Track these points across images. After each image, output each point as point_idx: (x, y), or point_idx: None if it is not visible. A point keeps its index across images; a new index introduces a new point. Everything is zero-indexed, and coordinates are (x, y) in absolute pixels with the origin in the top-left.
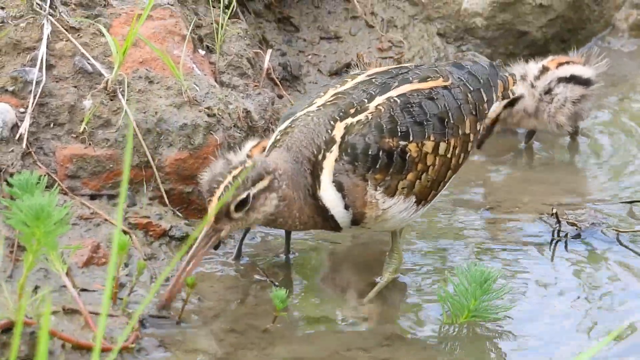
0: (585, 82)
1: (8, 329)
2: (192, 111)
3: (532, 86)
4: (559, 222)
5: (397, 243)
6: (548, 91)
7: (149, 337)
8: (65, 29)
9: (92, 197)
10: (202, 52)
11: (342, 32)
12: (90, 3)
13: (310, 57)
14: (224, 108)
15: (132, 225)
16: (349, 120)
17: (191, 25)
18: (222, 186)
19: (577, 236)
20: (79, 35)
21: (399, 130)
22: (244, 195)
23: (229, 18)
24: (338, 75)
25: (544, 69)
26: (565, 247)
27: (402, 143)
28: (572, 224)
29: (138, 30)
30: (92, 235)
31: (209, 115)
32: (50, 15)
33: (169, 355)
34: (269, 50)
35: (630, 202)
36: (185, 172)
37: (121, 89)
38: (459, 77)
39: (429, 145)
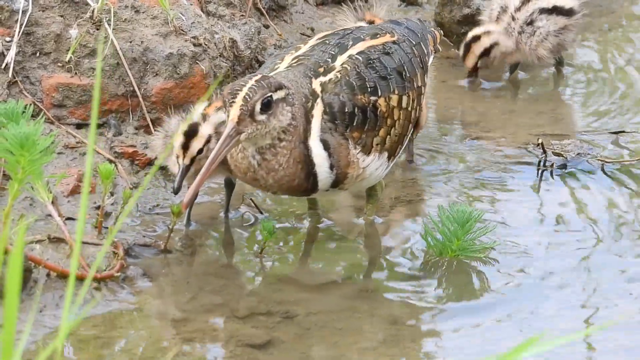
0: (567, 12)
1: None
2: (178, 41)
3: (513, 18)
4: (544, 152)
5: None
6: (530, 22)
7: (134, 267)
8: None
9: (78, 126)
10: None
11: None
12: None
13: None
14: (210, 37)
15: (118, 154)
16: (322, 79)
17: None
18: (245, 88)
19: (563, 166)
20: None
21: (368, 86)
22: (269, 95)
23: None
24: (325, 5)
25: (526, 1)
26: (551, 176)
27: (373, 98)
28: (558, 154)
29: None
30: (78, 164)
31: (195, 45)
32: None
33: (155, 285)
34: None
35: (616, 133)
36: (171, 102)
37: (107, 19)
38: (401, 33)
39: (394, 99)
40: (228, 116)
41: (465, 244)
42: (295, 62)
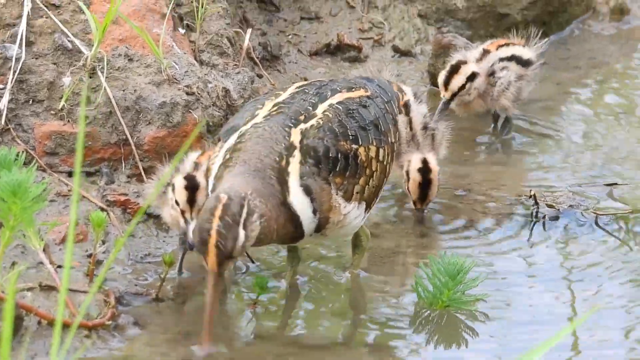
0: (525, 63)
1: None
2: (171, 89)
3: None
4: (537, 203)
5: (363, 227)
6: (491, 74)
7: (126, 315)
8: (45, 6)
9: (70, 174)
10: (182, 31)
11: (322, 12)
12: None
13: (290, 37)
14: (203, 87)
15: (109, 202)
16: (303, 126)
17: (171, 4)
18: (213, 232)
19: (555, 218)
20: (58, 12)
21: (349, 134)
22: (236, 233)
23: None
24: (318, 56)
25: (485, 52)
26: (544, 228)
27: (354, 146)
28: (550, 206)
29: (118, 8)
30: (70, 212)
31: (187, 94)
32: None
33: (146, 333)
34: (249, 30)
35: (609, 185)
36: (164, 150)
37: (100, 67)
38: (374, 89)
39: (372, 150)
40: (206, 264)
41: (456, 295)
42: (275, 110)
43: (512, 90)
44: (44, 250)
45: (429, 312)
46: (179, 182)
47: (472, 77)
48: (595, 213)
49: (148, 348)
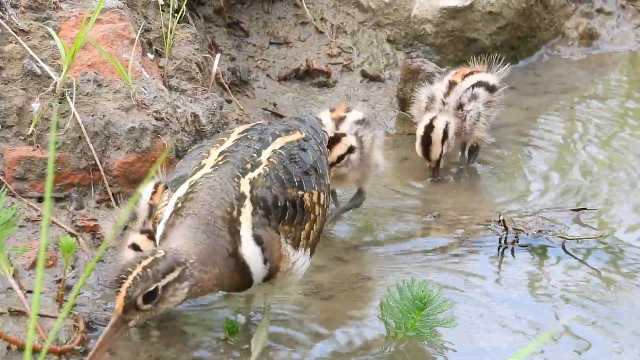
0: (491, 89)
1: None
2: (140, 115)
3: (444, 104)
4: (506, 229)
5: (268, 316)
6: (460, 106)
7: (95, 340)
8: (14, 32)
9: (40, 200)
10: (151, 56)
11: (291, 37)
12: (40, 6)
13: (259, 62)
14: (172, 112)
15: (79, 227)
16: (250, 175)
17: (140, 29)
18: (130, 277)
19: (524, 243)
20: (28, 37)
21: (295, 180)
22: (152, 288)
23: (178, 22)
24: (287, 81)
25: (452, 84)
26: (512, 253)
27: (300, 193)
28: (519, 231)
29: (87, 34)
30: (40, 237)
31: (157, 119)
32: None
33: (115, 358)
34: (218, 55)
35: (577, 210)
36: (133, 176)
37: (70, 92)
38: (306, 131)
39: (315, 195)
40: (114, 304)
41: (422, 324)
42: (221, 160)
43: (482, 120)
44: (13, 275)
45: (394, 342)
46: (139, 239)
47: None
48: (563, 238)
49: None
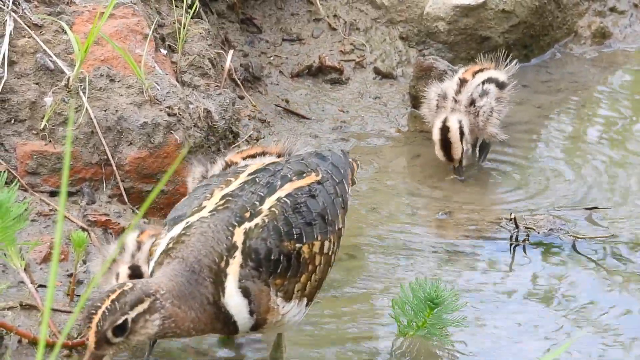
0: (500, 85)
1: None
2: (152, 110)
3: (456, 101)
4: (517, 227)
5: (282, 338)
6: (472, 103)
7: None
8: (27, 26)
9: (52, 194)
10: (164, 52)
11: (304, 34)
12: (53, 0)
13: (272, 58)
14: (185, 107)
15: (91, 222)
16: (247, 225)
17: (153, 25)
18: (99, 312)
19: (536, 242)
20: (41, 32)
21: (294, 232)
22: (120, 321)
23: (191, 18)
24: (299, 78)
25: (462, 82)
26: (524, 251)
27: (298, 245)
28: (530, 229)
29: (100, 29)
30: (51, 231)
31: (169, 115)
32: (13, 11)
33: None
34: (231, 51)
35: (589, 209)
36: (145, 171)
37: (82, 87)
38: (325, 170)
39: (317, 245)
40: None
41: (433, 323)
42: (222, 205)
43: (495, 115)
44: (25, 269)
45: (405, 340)
46: (124, 271)
47: (462, 132)
48: (574, 237)
49: None
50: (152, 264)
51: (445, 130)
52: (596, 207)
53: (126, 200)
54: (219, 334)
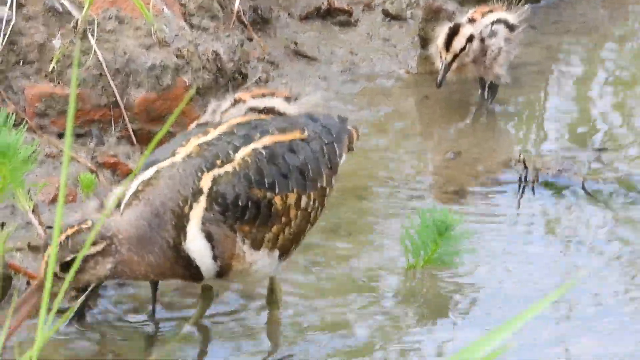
0: (510, 27)
1: None
2: (161, 52)
3: None
4: (526, 167)
5: (275, 282)
6: (480, 41)
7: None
8: None
9: (61, 136)
10: None
11: None
12: None
13: (280, 0)
14: (193, 50)
15: (99, 164)
16: (217, 171)
17: None
18: (52, 245)
19: (544, 182)
20: None
21: (266, 181)
22: (68, 259)
23: None
24: (308, 20)
25: (471, 21)
26: (532, 192)
27: (269, 194)
28: (539, 170)
29: None
30: (60, 173)
31: (177, 57)
32: None
33: (133, 292)
34: None
35: (598, 150)
36: (154, 113)
37: (91, 29)
38: (313, 130)
39: (292, 198)
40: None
41: (443, 250)
42: (195, 152)
43: (503, 56)
44: (33, 211)
45: (415, 273)
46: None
47: (471, 38)
48: (583, 177)
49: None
50: (122, 205)
51: (457, 26)
52: (605, 149)
53: (135, 141)
54: (182, 280)
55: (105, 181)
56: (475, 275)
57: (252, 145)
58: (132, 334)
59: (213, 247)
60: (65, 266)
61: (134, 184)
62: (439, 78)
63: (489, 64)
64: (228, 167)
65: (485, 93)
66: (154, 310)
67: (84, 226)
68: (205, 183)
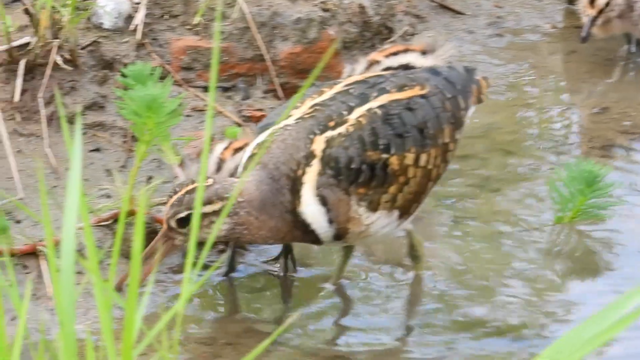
0: None
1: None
2: (306, 5)
3: None
4: None
5: (413, 235)
6: None
7: None
8: None
9: (206, 89)
10: None
11: None
12: None
13: None
14: (338, 3)
15: (245, 117)
16: (329, 134)
17: None
18: (175, 197)
19: None
20: None
21: (380, 143)
22: (183, 215)
23: None
24: None
25: None
26: None
27: (384, 156)
28: None
29: None
30: (205, 127)
31: (323, 10)
32: None
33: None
34: None
35: None
36: (299, 66)
37: None
38: (435, 85)
39: (409, 158)
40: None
41: (592, 201)
42: (309, 113)
43: None
44: (179, 164)
45: (562, 227)
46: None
47: None
48: None
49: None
50: (240, 167)
51: None
52: None
53: (281, 95)
54: (302, 242)
55: (252, 135)
56: (623, 230)
57: (368, 105)
58: (275, 287)
59: (328, 211)
60: (181, 222)
61: (249, 148)
62: (583, 34)
63: (636, 19)
64: (341, 129)
65: (632, 48)
66: (294, 264)
67: (205, 184)
68: (318, 146)
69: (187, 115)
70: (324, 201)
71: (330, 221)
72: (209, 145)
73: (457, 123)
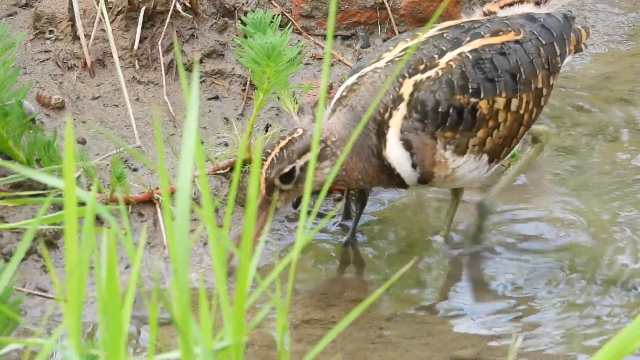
0: None
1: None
2: None
3: None
4: None
5: (455, 207)
6: None
7: None
8: None
9: (326, 37)
10: None
11: None
12: None
13: None
14: None
15: None
16: (418, 77)
17: None
18: (269, 159)
19: None
20: None
21: (470, 87)
22: (287, 169)
23: None
24: None
25: None
26: None
27: (473, 100)
28: None
29: None
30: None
31: None
32: None
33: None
34: None
35: None
36: (420, 15)
37: None
38: (531, 31)
39: (500, 102)
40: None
41: None
42: (399, 56)
43: None
44: (298, 113)
45: None
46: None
47: None
48: None
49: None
50: (328, 110)
51: None
52: None
53: None
54: (389, 187)
55: None
56: None
57: (460, 49)
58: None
59: (411, 156)
60: (285, 177)
61: (340, 90)
62: None
63: None
64: (431, 72)
65: None
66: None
67: (295, 135)
68: (406, 89)
69: (307, 64)
70: (408, 145)
71: (414, 165)
72: (326, 94)
73: (551, 69)
